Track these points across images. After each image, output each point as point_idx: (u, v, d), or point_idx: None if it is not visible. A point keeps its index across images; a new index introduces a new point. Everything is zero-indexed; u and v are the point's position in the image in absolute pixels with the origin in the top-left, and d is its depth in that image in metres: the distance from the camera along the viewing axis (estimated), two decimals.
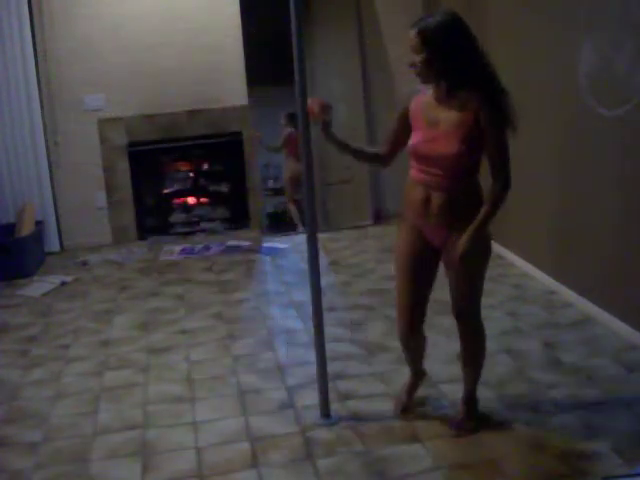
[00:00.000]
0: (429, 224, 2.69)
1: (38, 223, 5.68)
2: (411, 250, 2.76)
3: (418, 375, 3.12)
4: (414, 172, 2.70)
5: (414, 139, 2.67)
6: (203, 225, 6.35)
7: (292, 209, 7.50)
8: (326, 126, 2.73)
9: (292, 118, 7.52)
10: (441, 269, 2.83)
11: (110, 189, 6.07)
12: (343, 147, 2.80)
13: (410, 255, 2.76)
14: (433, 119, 2.59)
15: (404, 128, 2.74)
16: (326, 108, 2.72)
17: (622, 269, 3.65)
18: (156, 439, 3.04)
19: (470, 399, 2.98)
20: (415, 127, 2.68)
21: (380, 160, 2.88)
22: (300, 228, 6.74)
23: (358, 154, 2.88)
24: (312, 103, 2.73)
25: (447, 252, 2.71)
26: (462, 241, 2.60)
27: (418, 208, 2.69)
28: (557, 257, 4.34)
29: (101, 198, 6.06)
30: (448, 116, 2.55)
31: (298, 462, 2.80)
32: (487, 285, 4.46)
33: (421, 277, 2.79)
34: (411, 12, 6.19)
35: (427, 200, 2.65)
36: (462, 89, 2.52)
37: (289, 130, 7.39)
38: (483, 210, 2.60)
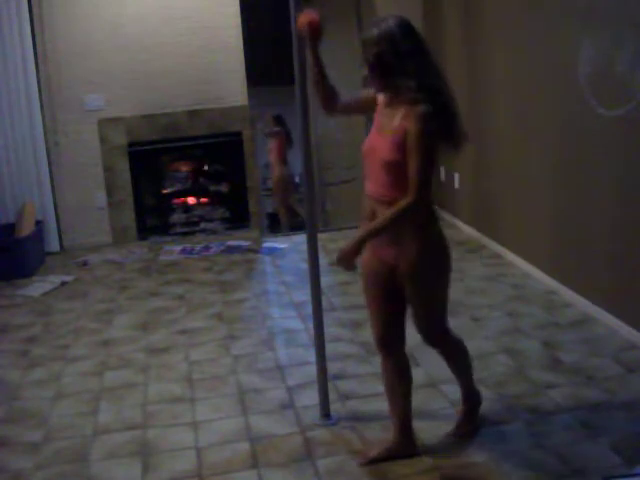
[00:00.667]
0: (378, 241, 2.58)
1: (38, 223, 5.68)
2: (372, 266, 2.67)
3: (400, 437, 2.79)
4: (365, 184, 2.63)
5: (366, 141, 2.62)
6: (203, 225, 6.35)
7: (282, 213, 7.52)
8: (313, 44, 2.62)
9: (279, 120, 7.55)
10: None
11: (110, 189, 6.07)
12: (319, 73, 2.67)
13: (371, 270, 2.67)
14: (380, 125, 2.55)
15: (365, 101, 2.70)
16: (317, 26, 2.59)
17: (622, 269, 3.65)
18: (156, 439, 3.04)
19: (469, 396, 2.95)
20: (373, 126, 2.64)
21: (330, 106, 2.74)
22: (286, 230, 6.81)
23: (321, 86, 2.70)
24: (303, 19, 2.61)
25: (398, 271, 2.59)
26: (342, 247, 2.52)
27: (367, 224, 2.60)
28: (557, 257, 4.34)
29: (101, 198, 6.06)
30: (390, 123, 2.49)
31: (298, 462, 2.80)
32: (486, 285, 4.53)
33: (387, 294, 2.67)
34: (411, 12, 6.22)
35: (374, 215, 2.57)
36: (405, 98, 2.44)
37: (276, 130, 7.41)
38: (377, 219, 2.50)
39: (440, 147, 2.49)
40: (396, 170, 2.46)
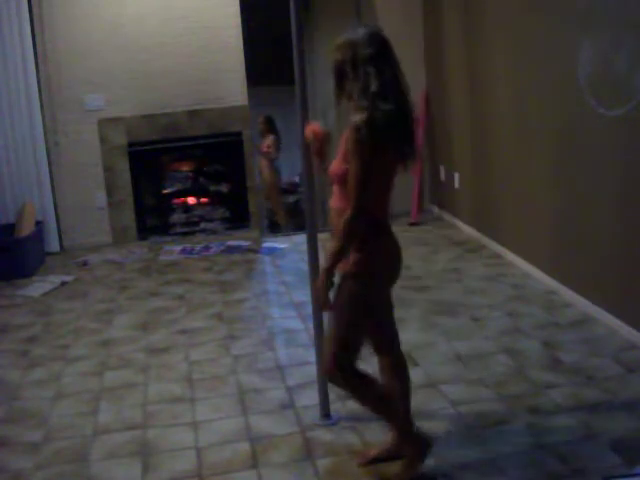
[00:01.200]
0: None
1: (38, 223, 5.69)
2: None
3: (400, 438, 2.70)
4: None
5: None
6: (203, 225, 6.35)
7: (280, 215, 7.52)
8: (320, 155, 2.63)
9: (270, 121, 7.52)
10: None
11: (110, 189, 6.08)
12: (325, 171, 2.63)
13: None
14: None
15: None
16: (323, 137, 2.60)
17: (622, 269, 3.65)
18: (156, 439, 3.04)
19: (403, 443, 2.67)
20: None
21: None
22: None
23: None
24: (309, 130, 2.64)
25: None
26: (316, 285, 2.49)
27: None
28: (557, 257, 4.33)
29: (101, 198, 6.07)
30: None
31: (298, 462, 2.80)
32: (486, 285, 4.53)
33: None
34: (411, 12, 6.23)
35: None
36: (354, 105, 2.39)
37: (272, 138, 7.37)
38: (331, 243, 2.44)
39: (384, 158, 2.36)
40: (343, 181, 2.40)
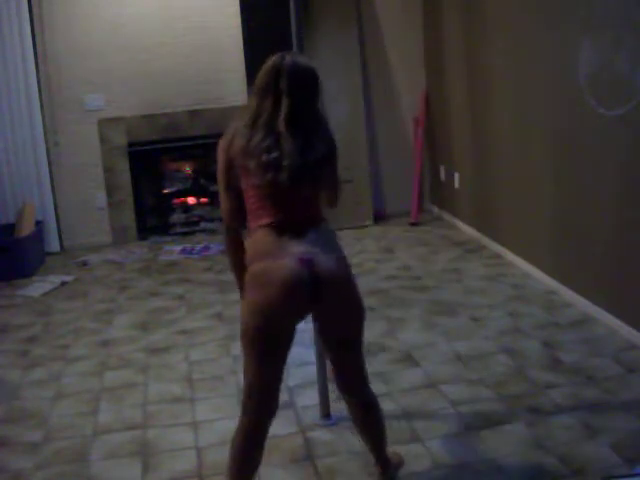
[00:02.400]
0: None
1: (38, 223, 5.68)
2: None
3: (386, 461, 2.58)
4: None
5: None
6: (203, 225, 6.35)
7: None
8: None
9: None
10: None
11: (110, 189, 6.07)
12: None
13: None
14: None
15: None
16: None
17: (622, 269, 3.65)
18: (156, 439, 3.04)
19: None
20: None
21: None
22: None
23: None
24: None
25: None
26: None
27: None
28: (557, 257, 4.34)
29: (101, 198, 6.07)
30: None
31: (298, 462, 2.80)
32: (486, 285, 4.53)
33: None
34: (411, 12, 6.23)
35: None
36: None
37: None
38: None
39: (243, 169, 2.24)
40: None
